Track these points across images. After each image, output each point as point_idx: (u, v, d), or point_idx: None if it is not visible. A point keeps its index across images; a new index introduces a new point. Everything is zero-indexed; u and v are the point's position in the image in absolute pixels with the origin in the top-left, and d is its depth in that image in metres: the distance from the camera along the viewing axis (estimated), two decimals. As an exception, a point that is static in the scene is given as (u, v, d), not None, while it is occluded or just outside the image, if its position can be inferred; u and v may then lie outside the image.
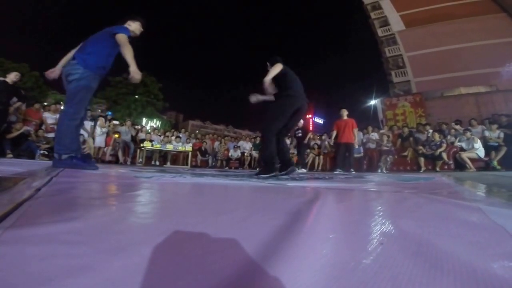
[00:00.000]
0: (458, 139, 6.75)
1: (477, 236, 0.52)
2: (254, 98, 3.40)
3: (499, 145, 6.24)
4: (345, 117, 6.39)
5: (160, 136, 9.69)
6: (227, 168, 9.42)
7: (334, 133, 6.51)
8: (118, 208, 0.73)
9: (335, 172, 5.69)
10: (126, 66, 2.72)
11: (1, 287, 0.28)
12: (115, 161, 8.00)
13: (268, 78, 2.88)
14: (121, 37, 2.74)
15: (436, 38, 16.55)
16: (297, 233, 0.50)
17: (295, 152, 8.77)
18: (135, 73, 2.67)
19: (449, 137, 7.18)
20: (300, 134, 7.32)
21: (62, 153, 2.55)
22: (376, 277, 0.32)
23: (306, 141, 7.26)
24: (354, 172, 5.66)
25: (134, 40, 2.99)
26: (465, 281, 0.32)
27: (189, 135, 10.94)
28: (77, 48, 2.86)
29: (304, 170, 6.72)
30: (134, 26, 3.06)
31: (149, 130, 10.07)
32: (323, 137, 9.29)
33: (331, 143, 6.92)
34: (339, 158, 6.35)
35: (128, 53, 2.69)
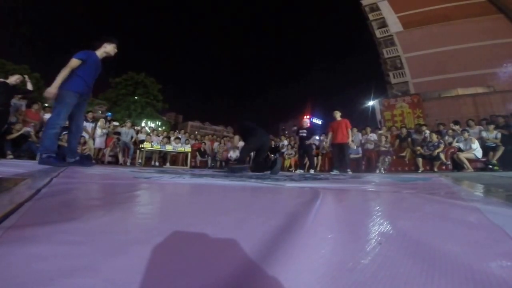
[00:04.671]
0: (456, 139, 6.76)
1: (475, 236, 0.52)
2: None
3: (497, 146, 6.26)
4: (338, 118, 6.42)
5: (159, 136, 9.67)
6: (226, 168, 9.39)
7: (330, 135, 6.58)
8: (118, 209, 0.73)
9: (331, 173, 5.70)
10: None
11: (2, 287, 0.28)
12: (115, 162, 7.99)
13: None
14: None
15: (433, 39, 16.61)
16: (296, 233, 0.50)
17: (293, 153, 8.75)
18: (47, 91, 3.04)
19: (447, 137, 7.19)
20: (304, 134, 7.16)
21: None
22: (374, 277, 0.33)
23: (310, 141, 7.13)
24: (350, 172, 5.66)
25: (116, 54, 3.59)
26: (463, 281, 0.32)
27: (189, 136, 10.91)
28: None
29: (301, 171, 6.71)
30: (109, 48, 3.45)
31: (149, 131, 10.05)
32: (322, 138, 9.28)
33: (328, 144, 6.89)
34: (335, 159, 6.42)
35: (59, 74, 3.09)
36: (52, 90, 2.97)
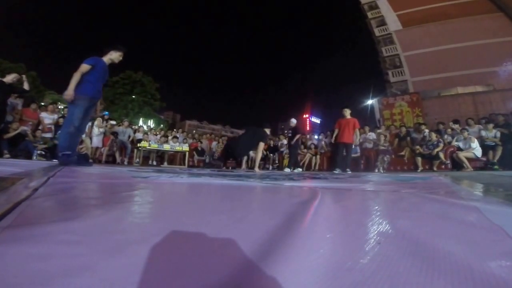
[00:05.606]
0: (455, 138, 6.76)
1: (475, 236, 0.52)
2: None
3: (496, 145, 6.27)
4: (348, 116, 6.32)
5: (156, 135, 9.65)
6: (224, 168, 9.38)
7: (336, 131, 6.42)
8: (115, 208, 0.72)
9: (335, 172, 5.66)
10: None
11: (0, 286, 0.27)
12: (112, 161, 7.97)
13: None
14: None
15: (433, 38, 16.61)
16: (294, 233, 0.50)
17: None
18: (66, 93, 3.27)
19: (446, 136, 7.19)
20: (289, 135, 7.23)
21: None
22: (374, 276, 0.32)
23: (293, 142, 7.12)
24: (350, 172, 5.65)
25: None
26: (462, 281, 0.32)
27: (186, 135, 10.89)
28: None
29: (299, 170, 6.71)
30: (115, 56, 3.64)
31: (146, 130, 10.03)
32: (320, 137, 9.28)
33: (332, 141, 6.75)
34: (338, 158, 6.30)
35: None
36: (69, 92, 3.22)
